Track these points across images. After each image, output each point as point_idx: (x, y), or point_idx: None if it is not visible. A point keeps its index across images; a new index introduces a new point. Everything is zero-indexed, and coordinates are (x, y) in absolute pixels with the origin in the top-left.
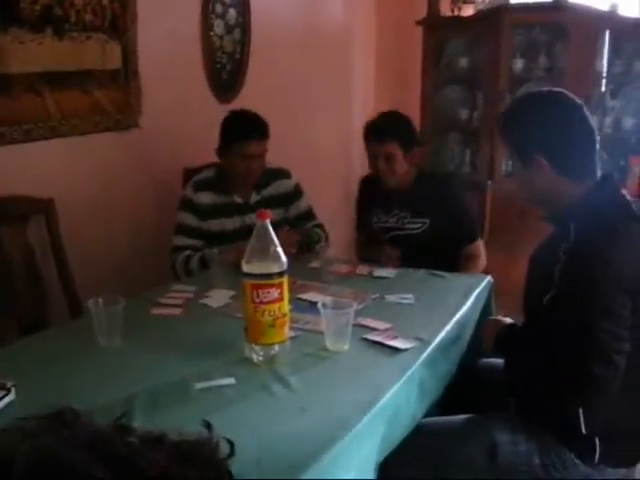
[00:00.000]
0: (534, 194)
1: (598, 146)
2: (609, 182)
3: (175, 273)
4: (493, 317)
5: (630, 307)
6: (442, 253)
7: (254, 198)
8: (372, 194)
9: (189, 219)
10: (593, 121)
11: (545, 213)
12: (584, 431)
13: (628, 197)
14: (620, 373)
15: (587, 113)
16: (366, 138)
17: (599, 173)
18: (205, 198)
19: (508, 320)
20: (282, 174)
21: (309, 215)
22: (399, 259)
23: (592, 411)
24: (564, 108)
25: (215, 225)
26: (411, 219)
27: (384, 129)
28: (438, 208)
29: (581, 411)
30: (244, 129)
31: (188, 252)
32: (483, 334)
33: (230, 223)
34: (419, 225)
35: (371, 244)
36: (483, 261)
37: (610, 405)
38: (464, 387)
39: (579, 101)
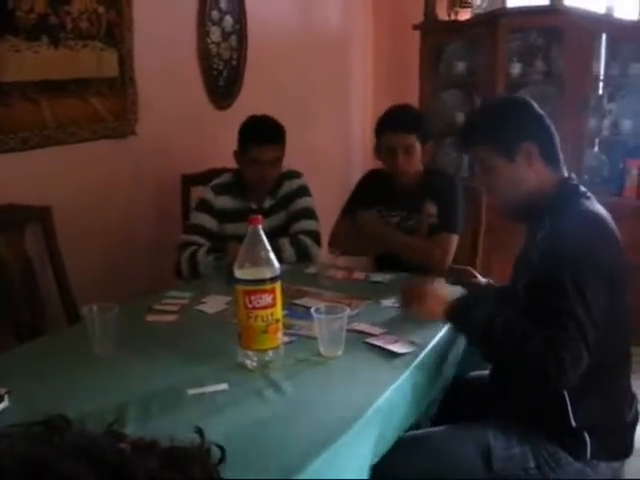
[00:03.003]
0: (521, 193)
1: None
2: (574, 177)
3: (178, 269)
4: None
5: (607, 296)
6: None
7: (268, 202)
8: (377, 190)
9: (206, 220)
10: None
11: (520, 214)
12: (574, 424)
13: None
14: (589, 356)
15: None
16: (383, 130)
17: (564, 169)
18: (224, 202)
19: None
20: (291, 175)
21: (302, 215)
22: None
23: (560, 389)
24: (531, 103)
25: (230, 229)
26: (410, 215)
27: (405, 120)
28: (433, 202)
29: (569, 402)
30: (256, 133)
31: (195, 247)
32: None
33: (244, 228)
34: (414, 221)
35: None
36: (444, 256)
37: (595, 397)
38: (454, 398)
39: None
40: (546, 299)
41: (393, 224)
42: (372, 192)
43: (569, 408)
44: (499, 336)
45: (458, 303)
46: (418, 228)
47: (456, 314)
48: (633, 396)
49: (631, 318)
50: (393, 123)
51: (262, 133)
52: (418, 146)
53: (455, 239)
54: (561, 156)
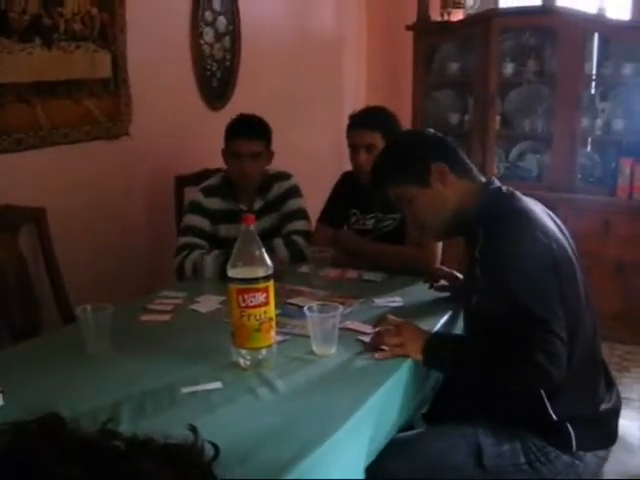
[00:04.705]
0: (447, 212)
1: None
2: (493, 180)
3: (180, 272)
4: (392, 321)
5: (558, 287)
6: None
7: (258, 204)
8: (351, 193)
9: (199, 221)
10: None
11: (455, 232)
12: (554, 417)
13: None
14: (566, 346)
15: None
16: (349, 127)
17: (480, 176)
18: (214, 204)
19: (415, 327)
20: (282, 176)
21: (293, 215)
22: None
23: (554, 386)
24: (423, 129)
25: (223, 231)
26: (385, 216)
27: (368, 118)
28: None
29: (545, 396)
30: (236, 127)
31: (202, 251)
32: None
33: (235, 230)
34: (390, 222)
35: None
36: (432, 255)
37: (570, 389)
38: (445, 396)
39: None
40: (502, 312)
41: (369, 227)
42: (346, 195)
43: (547, 403)
44: (472, 368)
45: (431, 344)
46: (394, 230)
47: (430, 356)
48: (611, 384)
49: (590, 304)
50: (356, 121)
51: (242, 127)
52: (382, 146)
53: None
54: (472, 166)
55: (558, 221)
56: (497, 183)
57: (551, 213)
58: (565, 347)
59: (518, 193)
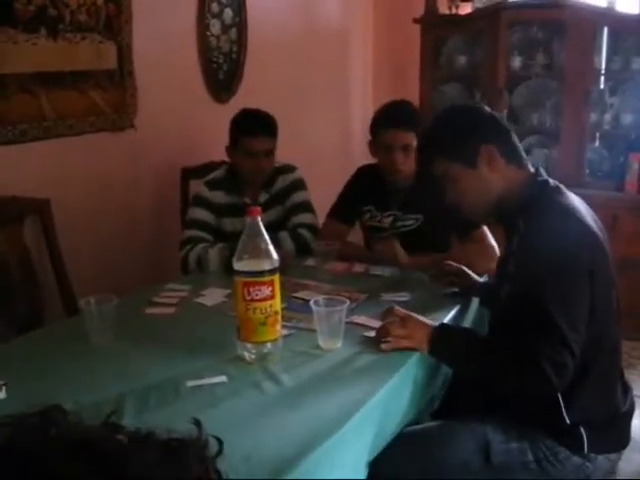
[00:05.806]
0: (488, 197)
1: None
2: (542, 172)
3: (185, 265)
4: (397, 312)
5: (589, 293)
6: (439, 248)
7: (263, 197)
8: (369, 188)
9: (204, 215)
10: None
11: (495, 218)
12: (568, 420)
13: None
14: (575, 361)
15: None
16: (380, 127)
17: (530, 165)
18: (219, 197)
19: (421, 318)
20: (286, 169)
21: (299, 208)
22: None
23: (553, 396)
24: (479, 106)
25: (228, 224)
26: (404, 215)
27: (403, 117)
28: (436, 201)
29: (561, 400)
30: (250, 125)
31: (206, 244)
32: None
33: (240, 223)
34: (411, 222)
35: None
36: (492, 246)
37: (587, 393)
38: (455, 395)
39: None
40: (528, 310)
41: (386, 225)
42: (363, 190)
43: (562, 406)
44: (475, 362)
45: (436, 334)
46: (415, 230)
47: (435, 345)
48: (626, 387)
49: (619, 309)
50: (392, 120)
51: (254, 125)
52: (415, 144)
53: (486, 230)
54: (523, 153)
55: (599, 223)
56: (545, 175)
57: (594, 214)
58: (574, 361)
59: (564, 188)
